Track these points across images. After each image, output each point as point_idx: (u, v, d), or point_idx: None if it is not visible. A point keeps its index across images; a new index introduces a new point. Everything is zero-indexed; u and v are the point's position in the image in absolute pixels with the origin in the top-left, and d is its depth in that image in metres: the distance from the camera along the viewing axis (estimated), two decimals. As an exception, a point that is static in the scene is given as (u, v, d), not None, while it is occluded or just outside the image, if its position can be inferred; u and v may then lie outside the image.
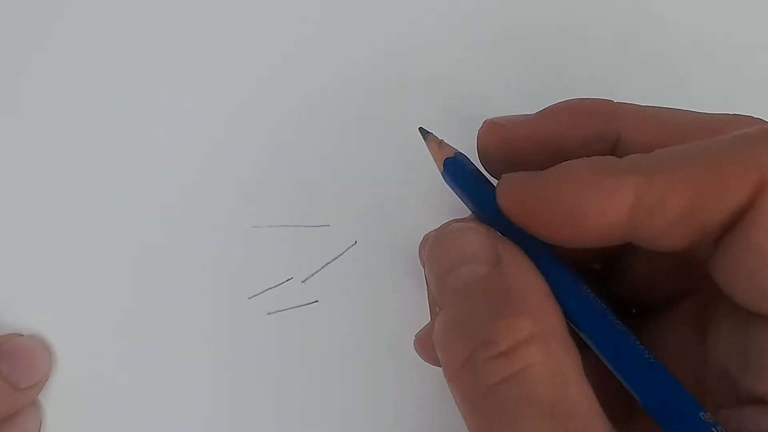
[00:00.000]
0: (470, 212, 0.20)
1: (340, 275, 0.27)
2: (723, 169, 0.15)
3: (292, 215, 0.27)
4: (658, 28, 0.29)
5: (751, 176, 0.14)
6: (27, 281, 0.27)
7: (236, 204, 0.28)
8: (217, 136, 0.29)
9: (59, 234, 0.28)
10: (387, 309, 0.26)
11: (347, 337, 0.26)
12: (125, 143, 0.29)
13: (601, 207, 0.16)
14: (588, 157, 0.16)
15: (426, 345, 0.23)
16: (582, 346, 0.16)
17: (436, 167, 0.21)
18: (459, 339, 0.16)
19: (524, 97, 0.28)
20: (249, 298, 0.27)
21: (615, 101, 0.19)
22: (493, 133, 0.21)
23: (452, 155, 0.21)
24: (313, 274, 0.27)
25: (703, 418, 0.14)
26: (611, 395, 0.15)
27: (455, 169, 0.21)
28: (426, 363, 0.24)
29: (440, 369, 0.17)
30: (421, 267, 0.24)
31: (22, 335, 0.26)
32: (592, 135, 0.17)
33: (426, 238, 0.23)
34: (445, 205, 0.24)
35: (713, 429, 0.14)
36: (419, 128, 0.23)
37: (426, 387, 0.25)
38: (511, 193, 0.17)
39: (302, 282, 0.27)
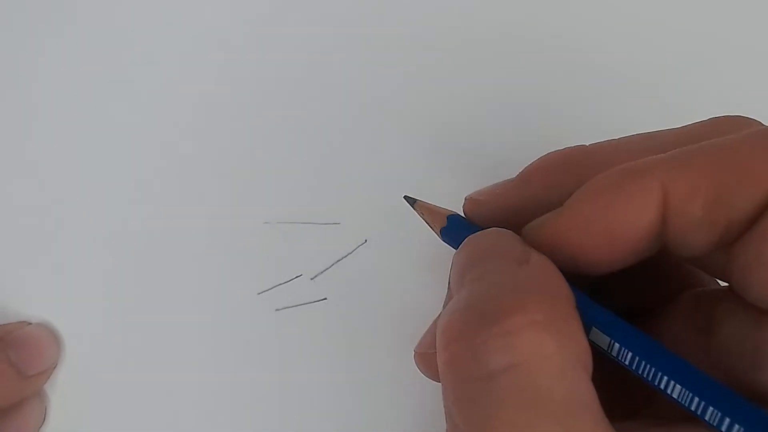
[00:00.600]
0: None
1: (349, 273, 0.27)
2: (746, 161, 0.15)
3: (302, 212, 0.27)
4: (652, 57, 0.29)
5: None
6: (37, 273, 0.27)
7: (247, 200, 0.28)
8: (230, 131, 0.29)
9: (69, 230, 0.28)
10: (396, 308, 0.26)
11: (355, 334, 0.26)
12: (136, 138, 0.29)
13: (631, 213, 0.15)
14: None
15: (427, 358, 0.23)
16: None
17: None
18: (464, 318, 0.15)
19: (525, 97, 0.29)
20: (258, 294, 0.27)
21: (587, 144, 0.19)
22: (476, 209, 0.21)
23: (445, 224, 0.21)
24: (322, 272, 0.27)
25: None
26: (611, 393, 0.15)
27: (454, 233, 0.21)
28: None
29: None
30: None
31: (30, 323, 0.26)
32: (572, 187, 0.17)
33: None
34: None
35: None
36: (404, 197, 0.23)
37: (433, 386, 0.25)
38: (541, 236, 0.17)
39: (311, 279, 0.27)
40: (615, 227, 0.16)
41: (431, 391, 0.25)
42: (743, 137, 0.15)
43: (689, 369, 0.15)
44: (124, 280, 0.27)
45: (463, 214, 0.22)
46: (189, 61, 0.30)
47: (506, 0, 0.30)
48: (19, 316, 0.27)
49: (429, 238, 0.23)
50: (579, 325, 0.15)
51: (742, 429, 0.14)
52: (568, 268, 0.16)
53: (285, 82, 0.29)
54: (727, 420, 0.14)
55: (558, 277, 0.16)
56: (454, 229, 0.21)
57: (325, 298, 0.26)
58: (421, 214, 0.22)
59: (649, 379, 0.15)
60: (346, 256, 0.27)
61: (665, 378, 0.15)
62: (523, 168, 0.20)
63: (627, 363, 0.16)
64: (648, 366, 0.15)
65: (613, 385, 0.15)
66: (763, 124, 0.17)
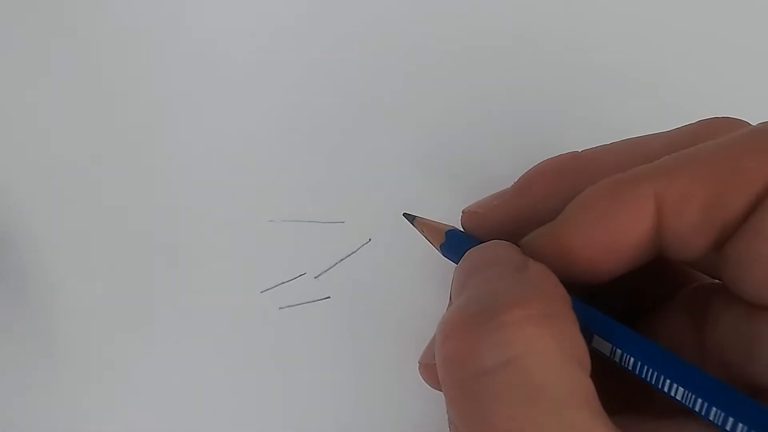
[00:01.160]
0: None
1: (353, 272, 0.27)
2: (736, 162, 0.15)
3: (307, 211, 0.27)
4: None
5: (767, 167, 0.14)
6: (38, 272, 0.28)
7: (252, 198, 0.28)
8: (235, 130, 0.29)
9: (71, 228, 0.28)
10: (399, 307, 0.26)
11: (358, 333, 0.26)
12: (140, 138, 0.29)
13: (627, 222, 0.16)
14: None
15: (431, 369, 0.22)
16: None
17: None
18: (461, 316, 0.15)
19: (525, 97, 0.29)
20: (261, 292, 0.27)
21: (580, 151, 0.20)
22: (474, 222, 0.21)
23: (444, 240, 0.21)
24: (326, 270, 0.27)
25: None
26: (606, 387, 0.15)
27: (454, 248, 0.21)
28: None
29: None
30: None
31: None
32: (568, 196, 0.17)
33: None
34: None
35: None
36: (404, 214, 0.24)
37: (436, 386, 0.25)
38: (538, 248, 0.17)
39: (315, 278, 0.27)
40: (611, 237, 0.16)
41: (434, 391, 0.25)
42: (732, 139, 0.15)
43: (691, 371, 0.15)
44: (127, 277, 0.27)
45: (461, 227, 0.22)
46: (193, 62, 0.30)
47: (511, 5, 0.30)
48: (19, 315, 0.27)
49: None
50: (575, 324, 0.15)
51: (746, 428, 0.14)
52: (565, 277, 0.16)
53: (289, 81, 0.29)
54: (731, 420, 0.14)
55: (554, 280, 0.16)
56: (453, 244, 0.21)
57: (329, 297, 0.26)
58: (421, 231, 0.23)
59: (653, 382, 0.16)
60: (350, 255, 0.27)
61: (668, 381, 0.15)
62: (518, 176, 0.21)
63: (630, 368, 0.16)
64: (651, 370, 0.15)
65: (608, 379, 0.15)
66: (751, 125, 0.17)
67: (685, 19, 0.30)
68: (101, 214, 0.28)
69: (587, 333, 0.16)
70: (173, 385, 0.26)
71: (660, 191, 0.15)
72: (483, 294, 0.15)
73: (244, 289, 0.27)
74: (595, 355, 0.16)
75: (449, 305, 0.21)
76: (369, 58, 0.29)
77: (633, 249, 0.16)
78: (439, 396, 0.22)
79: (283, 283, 0.27)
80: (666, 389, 0.15)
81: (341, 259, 0.27)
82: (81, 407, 0.26)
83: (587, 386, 0.14)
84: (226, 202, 0.28)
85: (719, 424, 0.14)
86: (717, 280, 0.19)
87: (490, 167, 0.27)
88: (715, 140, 0.15)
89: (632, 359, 0.16)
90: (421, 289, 0.26)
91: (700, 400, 0.15)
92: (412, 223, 0.23)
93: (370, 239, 0.27)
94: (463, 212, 0.22)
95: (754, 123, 0.17)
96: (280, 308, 0.26)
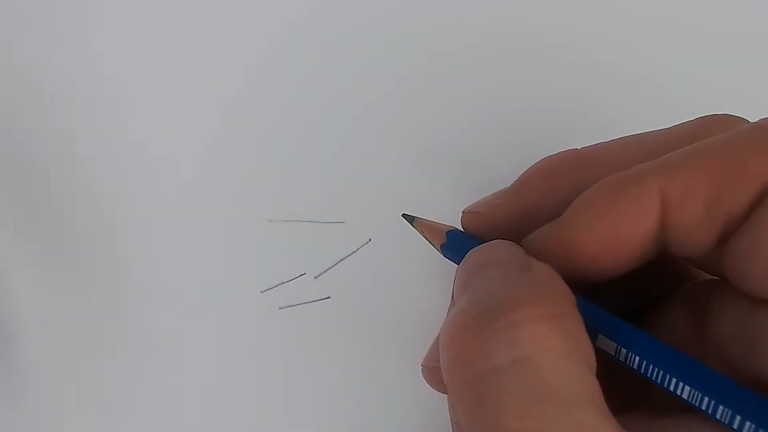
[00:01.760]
0: None
1: (353, 272, 0.27)
2: (738, 157, 0.15)
3: (307, 211, 0.27)
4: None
5: None
6: (38, 271, 0.28)
7: (251, 198, 0.28)
8: (234, 129, 0.29)
9: (72, 227, 0.28)
10: (399, 307, 0.26)
11: (358, 334, 0.26)
12: (139, 137, 0.29)
13: (631, 220, 0.16)
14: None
15: (435, 372, 0.23)
16: None
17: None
18: (467, 315, 0.15)
19: (523, 93, 0.29)
20: (261, 292, 0.27)
21: (580, 148, 0.20)
22: (475, 222, 0.21)
23: (445, 240, 0.21)
24: (326, 270, 0.27)
25: None
26: (607, 387, 0.15)
27: (455, 248, 0.21)
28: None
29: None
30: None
31: None
32: (569, 193, 0.17)
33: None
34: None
35: None
36: (402, 215, 0.24)
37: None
38: (542, 247, 0.17)
39: (315, 278, 0.27)
40: (616, 234, 0.16)
41: (435, 392, 0.25)
42: (734, 135, 0.15)
43: (697, 368, 0.15)
44: (127, 276, 0.27)
45: (461, 227, 0.22)
46: (194, 62, 0.30)
47: (510, 5, 0.30)
48: (20, 315, 0.27)
49: (433, 238, 0.23)
50: (581, 324, 0.15)
51: (753, 426, 0.14)
52: (569, 276, 0.16)
53: (289, 81, 0.29)
54: (738, 417, 0.14)
55: (559, 280, 0.16)
56: (454, 244, 0.21)
57: (329, 297, 0.26)
58: (421, 232, 0.23)
59: (658, 381, 0.15)
60: (350, 255, 0.27)
61: (674, 379, 0.15)
62: (518, 175, 0.21)
63: (635, 367, 0.16)
64: (657, 369, 0.15)
65: (608, 379, 0.15)
66: (750, 122, 0.17)
67: (684, 17, 0.30)
68: (101, 214, 0.28)
69: (591, 332, 0.16)
70: (173, 385, 0.26)
71: (664, 188, 0.15)
72: (488, 294, 0.15)
73: (244, 290, 0.27)
74: (598, 354, 0.16)
75: (451, 305, 0.21)
76: (369, 58, 0.29)
77: (638, 246, 0.16)
78: (440, 396, 0.22)
79: (283, 283, 0.27)
80: (672, 387, 0.15)
81: (341, 259, 0.27)
82: (78, 408, 0.26)
83: (594, 386, 0.14)
84: (226, 202, 0.28)
85: (726, 422, 0.14)
86: (716, 277, 0.19)
87: (490, 167, 0.27)
88: (717, 136, 0.16)
89: (637, 358, 0.16)
90: (422, 289, 0.26)
91: (706, 399, 0.15)
92: (412, 224, 0.23)
93: (370, 239, 0.27)
94: (463, 212, 0.22)
95: (752, 120, 0.17)
96: (280, 308, 0.26)
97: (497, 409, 0.14)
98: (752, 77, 0.29)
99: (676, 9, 0.30)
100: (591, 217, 0.16)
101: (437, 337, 0.21)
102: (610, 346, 0.16)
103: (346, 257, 0.27)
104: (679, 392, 0.15)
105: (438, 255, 0.22)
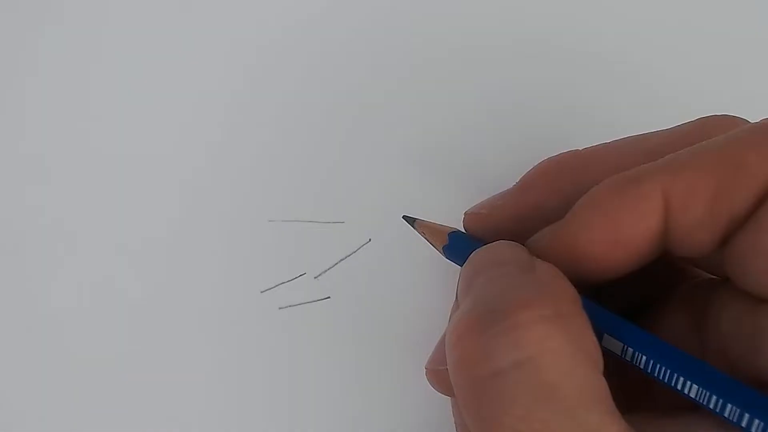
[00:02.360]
0: None
1: (353, 272, 0.27)
2: (740, 157, 0.15)
3: (307, 211, 0.27)
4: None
5: None
6: (39, 271, 0.27)
7: (252, 198, 0.28)
8: (235, 129, 0.29)
9: (72, 228, 0.28)
10: (399, 307, 0.26)
11: (358, 334, 0.26)
12: (141, 137, 0.29)
13: (634, 220, 0.16)
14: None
15: (438, 375, 0.22)
16: None
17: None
18: (472, 317, 0.15)
19: (523, 94, 0.29)
20: (261, 292, 0.27)
21: (581, 149, 0.20)
22: (477, 223, 0.21)
23: (447, 242, 0.21)
24: (326, 270, 0.27)
25: None
26: (611, 388, 0.15)
27: (457, 250, 0.21)
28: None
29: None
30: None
31: None
32: (571, 194, 0.18)
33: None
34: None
35: None
36: (403, 216, 0.24)
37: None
38: (546, 247, 0.17)
39: (315, 278, 0.27)
40: (619, 235, 0.16)
41: (435, 392, 0.25)
42: (735, 135, 0.15)
43: (705, 368, 0.15)
44: (126, 277, 0.27)
45: (463, 229, 0.22)
46: (194, 62, 0.30)
47: (510, 5, 0.30)
48: (20, 314, 0.27)
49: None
50: (587, 323, 0.15)
51: (762, 424, 0.14)
52: (572, 276, 0.16)
53: (289, 81, 0.29)
54: (747, 416, 0.14)
55: (564, 280, 0.16)
56: (456, 245, 0.21)
57: (329, 297, 0.26)
58: (423, 234, 0.23)
59: (665, 380, 0.16)
60: (350, 255, 0.27)
61: (682, 379, 0.15)
62: (520, 176, 0.21)
63: (642, 366, 0.16)
64: (664, 369, 0.16)
65: (611, 380, 0.15)
66: (750, 122, 0.17)
67: (685, 18, 0.30)
68: (98, 214, 0.28)
69: (597, 332, 0.16)
70: (171, 385, 0.26)
71: (666, 188, 0.15)
72: (492, 295, 0.15)
73: (244, 290, 0.27)
74: (603, 353, 0.16)
75: (454, 307, 0.21)
76: (368, 58, 0.29)
77: (641, 246, 0.16)
78: (440, 397, 0.22)
79: (283, 283, 0.27)
80: (680, 387, 0.15)
81: (341, 259, 0.27)
82: (80, 408, 0.26)
83: (601, 386, 0.14)
84: (226, 203, 0.28)
85: (734, 420, 0.14)
86: (715, 276, 0.19)
87: (491, 168, 0.27)
88: (718, 137, 0.16)
89: (644, 358, 0.16)
90: (422, 289, 0.26)
91: (714, 397, 0.15)
92: (413, 226, 0.23)
93: (370, 239, 0.27)
94: (465, 214, 0.22)
95: (752, 120, 0.17)
96: (280, 308, 0.26)
97: (502, 411, 0.14)
98: (753, 78, 0.29)
99: (676, 9, 0.30)
100: (594, 218, 0.16)
101: (441, 340, 0.22)
102: (615, 346, 0.16)
103: (345, 257, 0.27)
104: (686, 391, 0.15)
105: (438, 255, 0.22)
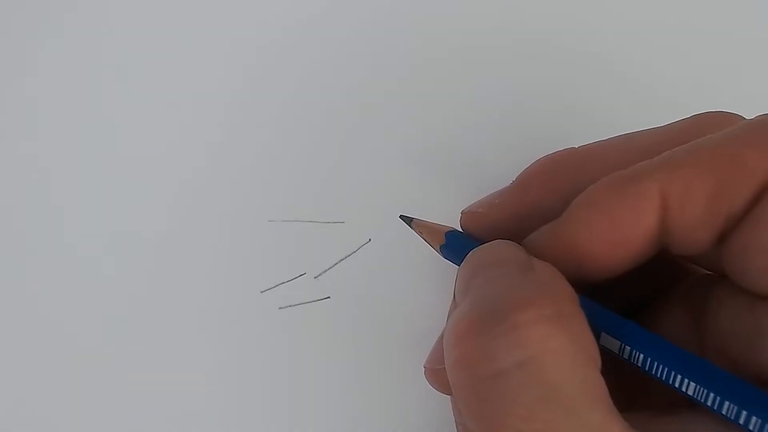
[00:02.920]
0: None
1: (353, 272, 0.27)
2: (737, 153, 0.15)
3: (307, 211, 0.27)
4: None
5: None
6: (39, 271, 0.27)
7: (252, 198, 0.28)
8: (234, 129, 0.29)
9: (73, 228, 0.28)
10: (399, 307, 0.26)
11: (358, 333, 0.26)
12: (141, 137, 0.29)
13: (632, 218, 0.16)
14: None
15: (437, 373, 0.22)
16: None
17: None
18: (472, 317, 0.15)
19: (521, 93, 0.29)
20: (261, 292, 0.27)
21: (577, 147, 0.20)
22: (474, 222, 0.21)
23: (444, 241, 0.21)
24: (326, 270, 0.27)
25: None
26: (608, 387, 0.15)
27: (455, 249, 0.21)
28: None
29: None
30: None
31: None
32: (567, 192, 0.17)
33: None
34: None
35: None
36: (400, 216, 0.23)
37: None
38: (543, 246, 0.17)
39: (315, 278, 0.27)
40: (617, 233, 0.16)
41: (435, 392, 0.25)
42: (732, 131, 0.15)
43: (702, 365, 0.15)
44: (127, 277, 0.27)
45: (460, 229, 0.22)
46: (194, 62, 0.30)
47: (510, 5, 0.30)
48: (20, 314, 0.27)
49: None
50: (585, 322, 0.15)
51: (759, 421, 0.14)
52: (570, 275, 0.16)
53: (289, 81, 0.29)
54: (744, 413, 0.14)
55: (562, 279, 0.16)
56: (453, 245, 0.21)
57: (329, 297, 0.26)
58: (420, 233, 0.23)
59: (663, 378, 0.16)
60: (349, 255, 0.27)
61: (679, 377, 0.15)
62: (516, 175, 0.21)
63: (639, 365, 0.16)
64: (662, 366, 0.16)
65: (608, 379, 0.15)
66: (745, 119, 0.17)
67: (684, 17, 0.30)
68: (99, 213, 0.28)
69: (595, 330, 0.16)
70: (171, 385, 0.26)
71: (664, 186, 0.15)
72: (492, 295, 0.15)
73: (244, 290, 0.27)
74: (600, 352, 0.16)
75: (452, 306, 0.21)
76: (368, 58, 0.29)
77: (639, 244, 0.16)
78: (439, 397, 0.22)
79: (283, 283, 0.27)
80: (677, 384, 0.15)
81: (341, 259, 0.27)
82: (80, 408, 0.26)
83: (600, 385, 0.14)
84: (226, 202, 0.28)
85: (732, 417, 0.14)
86: (712, 273, 0.19)
87: (490, 167, 0.27)
88: (715, 134, 0.16)
89: (642, 356, 0.16)
90: (421, 289, 0.26)
91: (712, 395, 0.15)
92: (410, 225, 0.23)
93: (370, 239, 0.27)
94: (462, 213, 0.22)
95: (747, 117, 0.17)
96: (280, 308, 0.26)
97: (504, 411, 0.14)
98: (753, 78, 0.29)
99: (676, 9, 0.30)
100: (592, 216, 0.16)
101: (439, 339, 0.21)
102: (613, 345, 0.16)
103: (345, 257, 0.27)
104: (684, 389, 0.15)
105: (437, 255, 0.22)
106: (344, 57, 0.30)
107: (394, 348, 0.26)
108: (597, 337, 0.16)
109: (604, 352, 0.16)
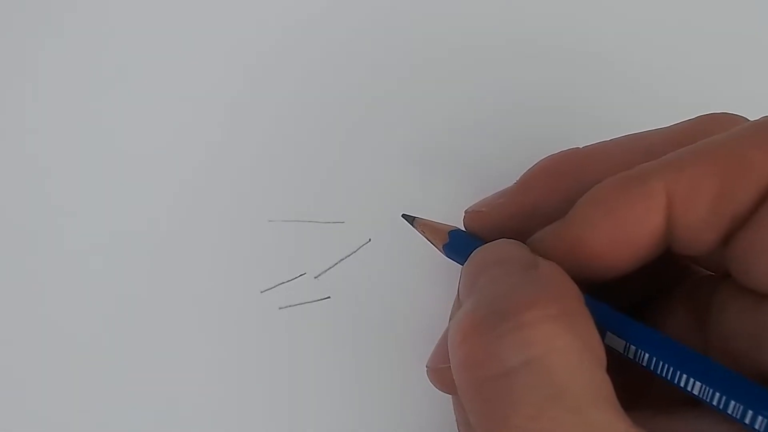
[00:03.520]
0: None
1: (353, 272, 0.27)
2: (743, 154, 0.15)
3: (307, 211, 0.27)
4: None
5: None
6: (39, 271, 0.27)
7: (252, 198, 0.28)
8: (234, 129, 0.29)
9: (72, 228, 0.28)
10: (399, 307, 0.26)
11: (358, 333, 0.26)
12: (141, 137, 0.29)
13: (637, 218, 0.16)
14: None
15: (440, 373, 0.22)
16: None
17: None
18: (477, 316, 0.15)
19: (523, 93, 0.29)
20: (261, 292, 0.27)
21: (581, 147, 0.20)
22: (477, 221, 0.21)
23: (447, 240, 0.21)
24: (326, 270, 0.27)
25: None
26: (614, 383, 0.15)
27: (458, 249, 0.21)
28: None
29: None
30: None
31: None
32: (571, 192, 0.18)
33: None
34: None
35: None
36: (402, 215, 0.23)
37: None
38: (548, 246, 0.17)
39: (315, 278, 0.27)
40: (623, 233, 0.16)
41: (435, 391, 0.25)
42: (738, 132, 0.15)
43: (708, 364, 0.15)
44: (127, 277, 0.27)
45: (463, 227, 0.22)
46: (195, 62, 0.30)
47: (510, 5, 0.30)
48: (20, 314, 0.27)
49: (433, 238, 0.23)
50: (591, 322, 0.15)
51: (765, 420, 0.14)
52: (575, 274, 0.16)
53: (289, 81, 0.29)
54: (750, 412, 0.14)
55: (567, 278, 0.16)
56: (457, 244, 0.21)
57: (329, 297, 0.26)
58: (422, 232, 0.23)
59: (668, 377, 0.16)
60: (350, 255, 0.27)
61: (685, 376, 0.15)
62: (520, 174, 0.21)
63: (644, 364, 0.16)
64: (667, 366, 0.16)
65: (613, 377, 0.15)
66: (749, 120, 0.17)
67: (685, 17, 0.30)
68: (98, 213, 0.28)
69: (600, 329, 0.16)
70: (171, 385, 0.26)
71: (669, 186, 0.15)
72: (496, 294, 0.15)
73: (244, 290, 0.27)
74: (605, 351, 0.16)
75: (456, 305, 0.21)
76: (368, 58, 0.29)
77: (644, 245, 0.16)
78: (440, 396, 0.22)
79: (283, 283, 0.27)
80: (683, 384, 0.15)
81: (341, 259, 0.27)
82: (80, 408, 0.26)
83: (607, 384, 0.14)
84: (226, 202, 0.28)
85: (737, 417, 0.14)
86: (715, 273, 0.19)
87: (491, 166, 0.27)
88: (721, 134, 0.16)
89: (647, 355, 0.16)
90: (422, 289, 0.26)
91: (717, 394, 0.15)
92: (412, 224, 0.23)
93: (370, 239, 0.27)
94: (465, 212, 0.22)
95: (751, 119, 0.17)
96: (280, 308, 0.26)
97: (510, 411, 0.14)
98: (753, 78, 0.29)
99: (676, 9, 0.30)
100: (597, 216, 0.16)
101: (442, 338, 0.21)
102: (618, 344, 0.16)
103: (345, 257, 0.27)
104: (689, 388, 0.15)
105: (438, 255, 0.22)
106: (344, 57, 0.30)
107: (394, 348, 0.26)
108: (602, 336, 0.16)
109: (608, 352, 0.16)
